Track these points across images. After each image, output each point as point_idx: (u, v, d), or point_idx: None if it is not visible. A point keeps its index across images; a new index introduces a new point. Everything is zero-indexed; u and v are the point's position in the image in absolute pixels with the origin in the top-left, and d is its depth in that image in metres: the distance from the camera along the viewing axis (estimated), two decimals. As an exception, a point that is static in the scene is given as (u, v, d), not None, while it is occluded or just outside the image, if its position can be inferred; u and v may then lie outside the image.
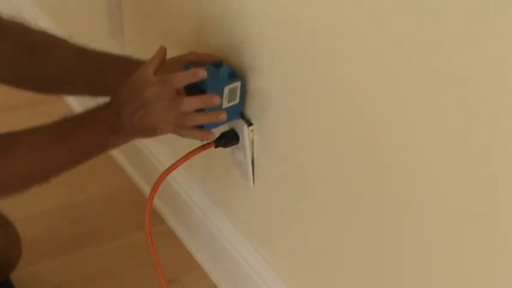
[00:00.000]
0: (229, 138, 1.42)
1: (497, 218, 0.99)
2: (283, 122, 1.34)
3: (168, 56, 1.40)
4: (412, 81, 1.05)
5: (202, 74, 1.28)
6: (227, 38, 1.40)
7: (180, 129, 1.31)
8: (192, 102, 1.29)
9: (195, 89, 1.34)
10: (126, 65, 1.38)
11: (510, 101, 0.92)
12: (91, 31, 1.90)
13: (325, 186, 1.29)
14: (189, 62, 1.36)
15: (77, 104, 2.10)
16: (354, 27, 1.12)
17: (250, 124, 1.40)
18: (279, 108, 1.33)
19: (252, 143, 1.42)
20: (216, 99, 1.30)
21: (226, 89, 1.34)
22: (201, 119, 1.31)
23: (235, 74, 1.36)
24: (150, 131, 1.30)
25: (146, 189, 1.79)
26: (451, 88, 1.00)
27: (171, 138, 1.36)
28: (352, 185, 1.23)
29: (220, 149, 1.42)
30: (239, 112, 1.39)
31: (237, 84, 1.35)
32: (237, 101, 1.37)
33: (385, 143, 1.13)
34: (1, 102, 2.11)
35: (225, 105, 1.35)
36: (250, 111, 1.40)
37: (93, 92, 1.45)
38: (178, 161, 1.39)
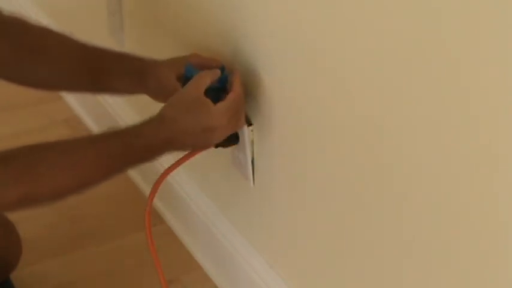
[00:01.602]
0: (229, 138, 1.42)
1: (497, 218, 0.99)
2: (283, 122, 1.34)
3: (169, 56, 1.41)
4: (413, 81, 1.05)
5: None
6: (228, 39, 1.40)
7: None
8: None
9: None
10: (129, 63, 1.38)
11: (510, 101, 0.92)
12: (91, 31, 1.90)
13: (325, 186, 1.29)
14: (190, 63, 1.36)
15: (78, 104, 2.11)
16: (354, 28, 1.12)
17: (250, 124, 1.40)
18: (279, 108, 1.33)
19: (252, 143, 1.42)
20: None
21: (223, 97, 1.34)
22: None
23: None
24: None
25: (146, 189, 1.78)
26: (451, 88, 0.99)
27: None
28: (352, 184, 1.23)
29: (220, 149, 1.42)
30: None
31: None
32: None
33: (385, 143, 1.13)
34: (1, 102, 2.11)
35: None
36: (250, 111, 1.40)
37: (94, 89, 1.45)
38: (178, 161, 1.39)
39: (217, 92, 1.33)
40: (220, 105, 1.30)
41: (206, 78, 1.31)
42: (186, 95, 1.29)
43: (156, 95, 1.38)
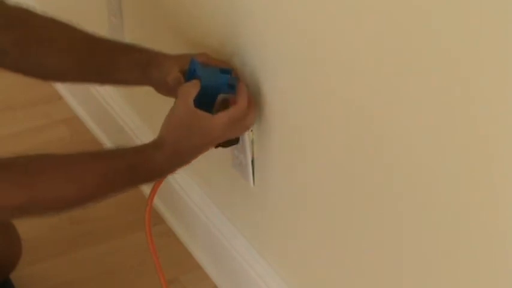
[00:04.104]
0: (229, 139, 1.42)
1: (497, 219, 0.99)
2: (283, 122, 1.34)
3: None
4: (411, 82, 1.05)
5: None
6: (229, 40, 1.40)
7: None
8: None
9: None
10: (135, 54, 1.38)
11: (510, 103, 0.92)
12: (91, 30, 1.90)
13: (326, 186, 1.29)
14: (197, 60, 1.35)
15: (78, 104, 2.10)
16: (354, 30, 1.12)
17: (250, 124, 1.40)
18: (279, 108, 1.33)
19: (252, 143, 1.42)
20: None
21: (220, 97, 1.33)
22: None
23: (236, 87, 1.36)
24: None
25: (146, 189, 1.78)
26: (451, 89, 0.99)
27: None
28: (352, 185, 1.23)
29: (220, 149, 1.41)
30: None
31: (234, 97, 1.35)
32: None
33: (385, 143, 1.13)
34: (1, 102, 2.11)
35: (215, 112, 1.35)
36: (250, 111, 1.40)
37: (101, 80, 1.46)
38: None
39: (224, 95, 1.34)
40: (220, 117, 1.29)
41: (191, 89, 1.29)
42: (180, 114, 1.28)
43: (159, 87, 1.38)
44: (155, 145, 1.28)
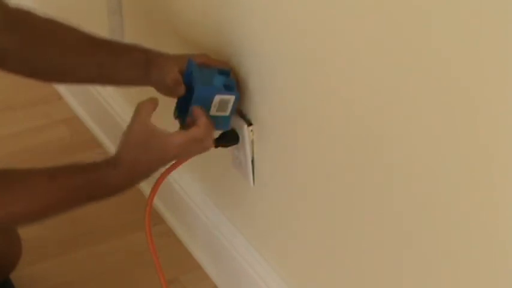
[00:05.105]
0: (229, 138, 1.42)
1: (497, 219, 0.99)
2: (283, 122, 1.34)
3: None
4: (413, 82, 1.05)
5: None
6: (228, 39, 1.40)
7: None
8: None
9: (188, 85, 1.34)
10: (135, 54, 1.39)
11: (510, 103, 0.92)
12: (91, 31, 1.90)
13: (325, 186, 1.29)
14: (192, 59, 1.35)
15: (78, 104, 2.10)
16: (353, 30, 1.12)
17: (250, 124, 1.40)
18: (279, 108, 1.33)
19: (252, 143, 1.42)
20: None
21: (217, 98, 1.33)
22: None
23: (233, 88, 1.36)
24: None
25: (146, 189, 1.78)
26: (451, 89, 0.99)
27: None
28: (352, 185, 1.23)
29: (220, 149, 1.42)
30: (227, 124, 1.39)
31: (231, 97, 1.35)
32: (227, 113, 1.36)
33: (385, 143, 1.13)
34: (1, 102, 2.11)
35: (213, 113, 1.35)
36: (250, 111, 1.40)
37: (102, 81, 1.46)
38: (179, 160, 1.39)
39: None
40: (176, 136, 1.31)
41: (148, 106, 1.31)
42: (136, 132, 1.30)
43: (159, 87, 1.39)
44: (111, 163, 1.29)
